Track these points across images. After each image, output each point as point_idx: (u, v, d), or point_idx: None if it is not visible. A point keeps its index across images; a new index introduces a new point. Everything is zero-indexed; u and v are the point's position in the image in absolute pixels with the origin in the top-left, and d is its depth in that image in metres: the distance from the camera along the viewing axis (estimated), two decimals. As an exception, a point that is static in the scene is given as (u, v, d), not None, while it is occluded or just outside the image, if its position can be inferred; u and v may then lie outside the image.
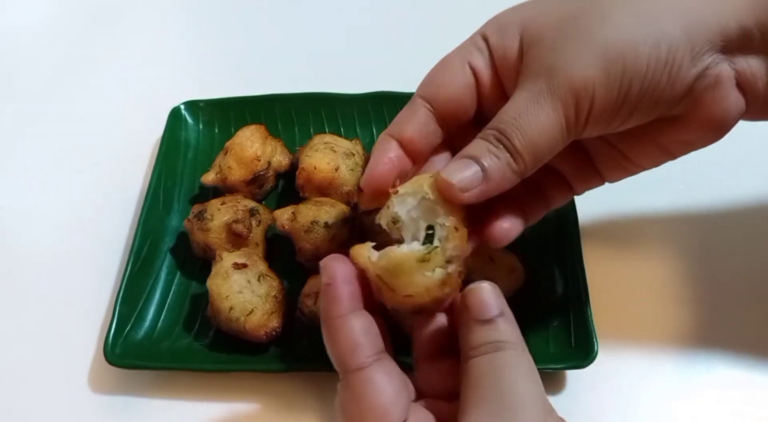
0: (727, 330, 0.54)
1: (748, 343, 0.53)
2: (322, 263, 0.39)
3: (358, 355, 0.37)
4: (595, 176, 0.46)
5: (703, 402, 0.51)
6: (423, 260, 0.37)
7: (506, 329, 0.38)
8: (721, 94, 0.39)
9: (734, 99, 0.40)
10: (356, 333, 0.37)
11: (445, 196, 0.38)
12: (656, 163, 0.45)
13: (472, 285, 0.39)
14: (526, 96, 0.39)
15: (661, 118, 0.41)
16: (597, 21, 0.39)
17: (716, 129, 0.41)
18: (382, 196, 0.41)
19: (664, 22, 0.38)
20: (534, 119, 0.38)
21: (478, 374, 0.37)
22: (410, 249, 0.38)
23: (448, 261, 0.38)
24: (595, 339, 0.50)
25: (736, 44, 0.39)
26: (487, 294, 0.38)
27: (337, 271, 0.38)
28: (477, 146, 0.39)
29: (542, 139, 0.38)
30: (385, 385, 0.37)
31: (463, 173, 0.38)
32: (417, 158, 0.43)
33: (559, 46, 0.38)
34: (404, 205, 0.39)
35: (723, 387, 0.52)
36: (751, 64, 0.40)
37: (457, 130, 0.43)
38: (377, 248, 0.39)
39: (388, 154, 0.41)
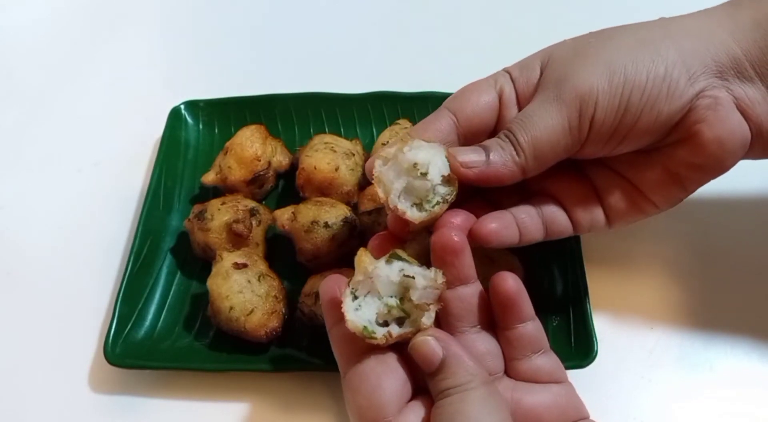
0: (727, 330, 0.54)
1: (748, 343, 0.53)
2: (321, 288, 0.42)
3: (353, 350, 0.40)
4: (598, 211, 0.47)
5: (703, 401, 0.51)
6: (369, 337, 0.39)
7: (454, 372, 0.38)
8: (722, 114, 0.42)
9: (737, 120, 0.43)
10: (347, 335, 0.40)
11: (451, 168, 0.42)
12: (668, 198, 0.46)
13: (412, 342, 0.39)
14: (536, 102, 0.44)
15: (668, 142, 0.44)
16: (603, 44, 0.44)
17: (722, 150, 0.43)
18: None
19: (661, 47, 0.43)
20: (539, 119, 0.42)
21: (437, 420, 0.38)
22: (361, 325, 0.40)
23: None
24: (595, 340, 0.50)
25: (730, 71, 0.43)
26: (425, 347, 0.39)
27: (330, 290, 0.42)
28: (489, 140, 0.44)
29: (545, 136, 0.42)
30: (378, 380, 0.39)
31: (469, 155, 0.42)
32: None
33: (569, 62, 0.44)
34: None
35: (723, 387, 0.52)
36: (747, 91, 0.43)
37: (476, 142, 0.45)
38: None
39: None
